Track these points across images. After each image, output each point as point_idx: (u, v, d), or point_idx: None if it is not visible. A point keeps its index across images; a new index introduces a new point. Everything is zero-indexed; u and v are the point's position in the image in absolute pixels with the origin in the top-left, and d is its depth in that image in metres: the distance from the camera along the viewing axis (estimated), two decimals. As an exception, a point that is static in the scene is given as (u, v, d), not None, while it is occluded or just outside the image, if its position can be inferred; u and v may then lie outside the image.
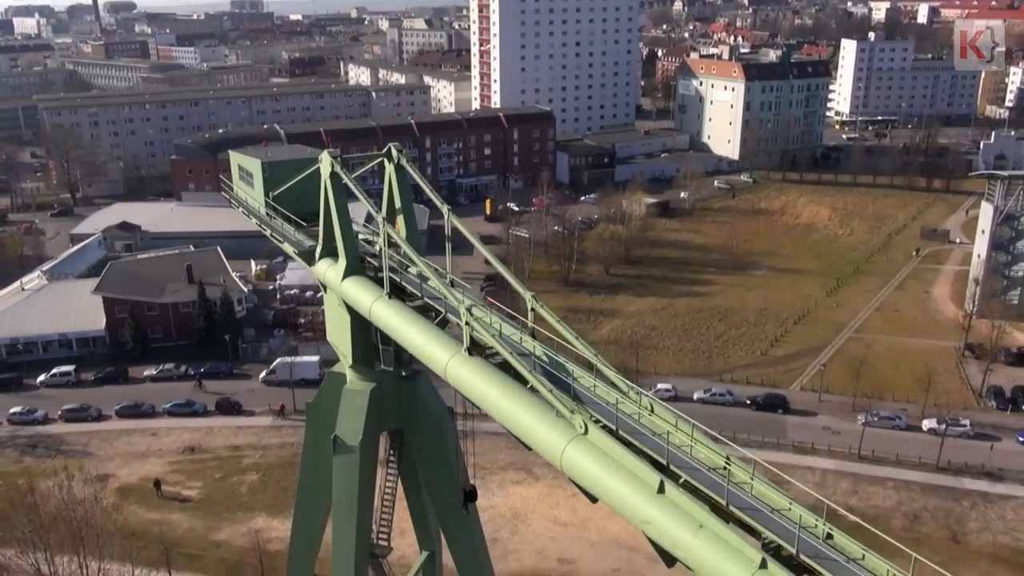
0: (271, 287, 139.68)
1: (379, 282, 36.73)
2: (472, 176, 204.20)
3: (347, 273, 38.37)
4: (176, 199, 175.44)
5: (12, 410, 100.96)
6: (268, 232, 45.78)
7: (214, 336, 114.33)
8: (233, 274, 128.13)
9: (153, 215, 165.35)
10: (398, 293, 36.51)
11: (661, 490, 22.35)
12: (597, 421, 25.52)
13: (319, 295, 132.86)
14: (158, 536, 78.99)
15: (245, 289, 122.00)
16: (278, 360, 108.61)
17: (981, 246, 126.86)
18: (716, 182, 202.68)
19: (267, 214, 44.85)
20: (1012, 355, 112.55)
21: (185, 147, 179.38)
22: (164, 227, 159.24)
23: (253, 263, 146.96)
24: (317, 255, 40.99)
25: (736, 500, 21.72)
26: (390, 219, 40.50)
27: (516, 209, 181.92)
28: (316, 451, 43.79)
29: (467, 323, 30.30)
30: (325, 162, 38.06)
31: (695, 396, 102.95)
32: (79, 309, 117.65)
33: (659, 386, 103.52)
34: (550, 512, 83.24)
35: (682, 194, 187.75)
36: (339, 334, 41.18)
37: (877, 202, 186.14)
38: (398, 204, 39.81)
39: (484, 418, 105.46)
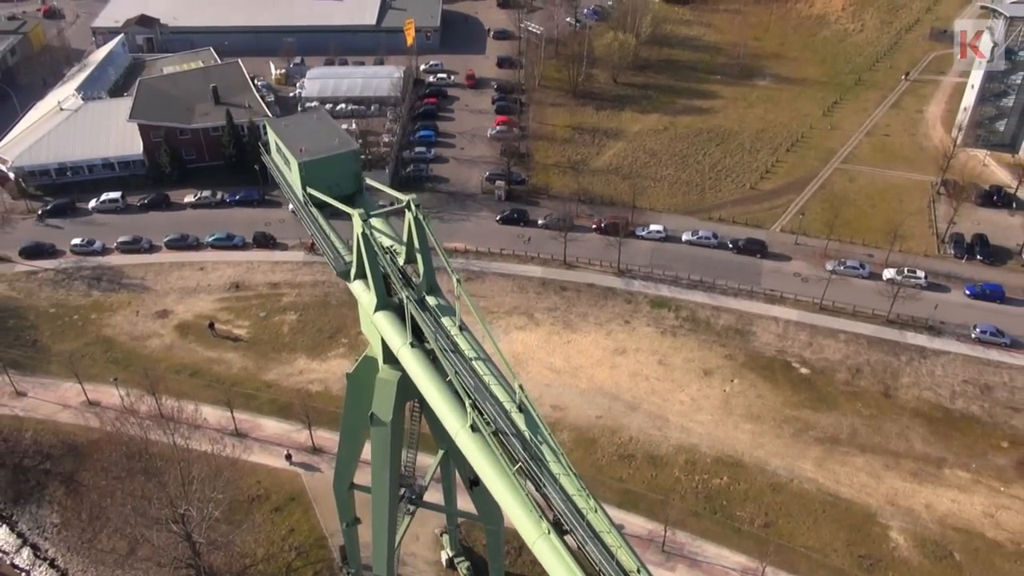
0: (291, 93, 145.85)
1: (402, 315, 47.10)
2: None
3: (378, 308, 48.95)
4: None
5: (73, 241, 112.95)
6: (308, 229, 55.42)
7: (244, 161, 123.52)
8: (254, 86, 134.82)
9: (169, 4, 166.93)
10: (419, 335, 47.25)
11: (592, 598, 35.20)
12: (558, 524, 37.72)
13: (338, 107, 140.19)
14: (218, 375, 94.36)
15: (269, 112, 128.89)
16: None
17: (976, 76, 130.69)
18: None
19: (304, 202, 53.35)
20: (983, 194, 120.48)
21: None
22: (182, 20, 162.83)
23: (272, 66, 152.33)
24: (352, 275, 51.17)
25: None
26: (409, 261, 50.53)
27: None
28: (355, 406, 56.68)
29: (469, 414, 41.80)
30: (356, 223, 47.24)
31: (683, 238, 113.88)
32: (117, 132, 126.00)
33: (652, 227, 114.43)
34: (547, 359, 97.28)
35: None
36: (371, 335, 52.51)
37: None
38: (416, 246, 49.41)
39: (493, 258, 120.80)
